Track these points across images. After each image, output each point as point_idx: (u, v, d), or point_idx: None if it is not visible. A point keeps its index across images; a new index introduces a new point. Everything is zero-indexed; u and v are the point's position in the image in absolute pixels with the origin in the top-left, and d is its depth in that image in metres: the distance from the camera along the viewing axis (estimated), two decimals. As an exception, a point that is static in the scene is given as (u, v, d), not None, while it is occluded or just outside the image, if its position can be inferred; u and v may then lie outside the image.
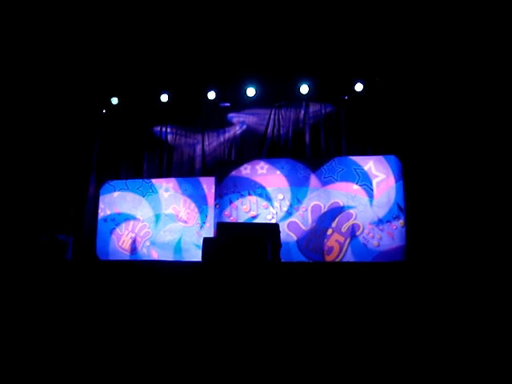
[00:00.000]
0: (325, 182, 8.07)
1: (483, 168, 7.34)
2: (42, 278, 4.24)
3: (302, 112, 8.69)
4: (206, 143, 9.09)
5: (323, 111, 8.62)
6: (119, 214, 8.96)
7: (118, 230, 8.92)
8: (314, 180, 8.12)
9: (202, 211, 8.59)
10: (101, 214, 9.04)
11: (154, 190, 8.88)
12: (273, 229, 5.53)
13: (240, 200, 8.28)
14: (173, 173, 9.08)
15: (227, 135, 9.01)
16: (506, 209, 6.99)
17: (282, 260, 5.41)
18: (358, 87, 8.20)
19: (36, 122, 8.83)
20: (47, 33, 7.56)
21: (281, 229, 5.68)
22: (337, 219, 7.91)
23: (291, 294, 3.74)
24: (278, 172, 8.27)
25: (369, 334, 3.52)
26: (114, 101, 9.04)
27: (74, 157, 9.24)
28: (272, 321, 3.65)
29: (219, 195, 8.39)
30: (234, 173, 8.44)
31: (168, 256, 8.48)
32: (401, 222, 7.69)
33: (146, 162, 9.27)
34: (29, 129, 8.74)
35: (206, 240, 4.72)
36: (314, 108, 8.67)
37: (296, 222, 8.05)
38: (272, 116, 8.81)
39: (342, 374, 3.44)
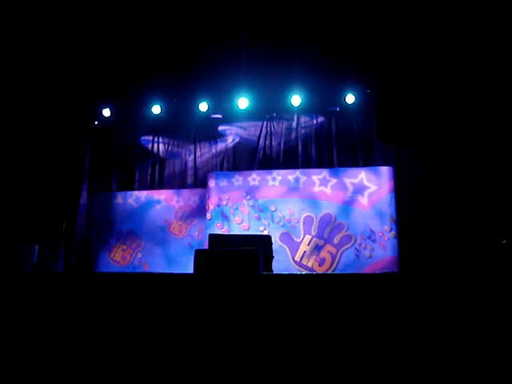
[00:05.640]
0: (317, 194, 8.08)
1: (476, 179, 7.38)
2: (32, 290, 4.20)
3: (294, 124, 8.72)
4: (198, 155, 9.09)
5: (315, 123, 8.66)
6: (111, 225, 8.91)
7: (109, 241, 8.87)
8: (305, 191, 8.13)
9: (194, 223, 8.58)
10: (92, 226, 8.99)
11: (145, 202, 8.86)
12: (265, 240, 5.52)
13: (232, 211, 8.28)
14: (164, 184, 9.06)
15: (219, 147, 9.01)
16: (497, 219, 7.03)
17: (274, 272, 5.40)
18: (349, 99, 8.25)
19: (27, 132, 8.78)
20: (39, 43, 7.56)
21: (273, 240, 5.68)
22: (329, 230, 7.92)
23: (283, 305, 3.73)
24: (270, 183, 8.28)
25: (362, 345, 3.51)
26: (106, 112, 9.02)
27: (66, 168, 9.19)
28: (264, 333, 3.64)
29: (211, 207, 8.38)
30: (225, 184, 8.44)
31: (159, 268, 8.44)
32: (393, 233, 7.70)
33: (137, 174, 9.23)
34: (20, 139, 8.69)
35: (197, 252, 4.69)
36: (305, 120, 8.71)
37: (288, 234, 8.05)
38: (264, 128, 8.83)
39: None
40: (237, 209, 8.29)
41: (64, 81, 8.43)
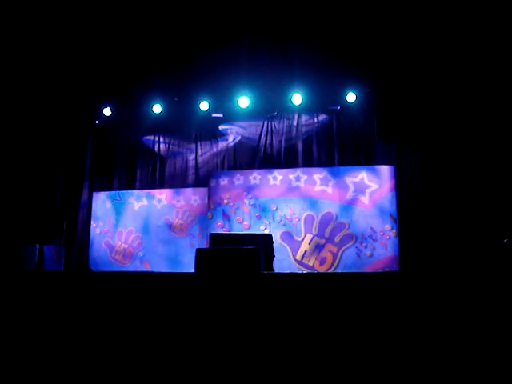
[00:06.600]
0: (318, 193, 8.08)
1: (476, 178, 7.38)
2: (33, 289, 4.20)
3: (295, 123, 8.71)
4: (199, 154, 9.08)
5: (316, 122, 8.64)
6: (112, 224, 8.92)
7: (110, 240, 8.88)
8: (306, 190, 8.13)
9: (195, 222, 8.58)
10: (93, 225, 9.00)
11: (146, 201, 8.86)
12: (266, 239, 5.51)
13: (233, 211, 8.27)
14: (166, 183, 9.06)
15: (220, 146, 9.01)
16: (498, 218, 7.03)
17: (275, 271, 5.40)
18: (351, 97, 8.24)
19: (29, 132, 8.79)
20: (40, 43, 7.56)
21: (274, 239, 5.67)
22: (330, 229, 7.91)
23: (285, 304, 3.73)
24: (271, 182, 8.28)
25: (363, 344, 3.51)
26: (107, 111, 9.02)
27: (67, 168, 9.20)
28: (266, 331, 3.64)
29: (212, 206, 8.38)
30: (226, 183, 8.44)
31: (161, 267, 8.44)
32: (394, 231, 7.70)
33: (138, 173, 9.23)
34: (21, 139, 8.70)
35: (198, 251, 4.69)
36: (306, 119, 8.69)
37: (289, 233, 8.05)
38: (265, 127, 8.81)
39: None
40: (238, 208, 8.28)
41: (65, 80, 8.44)
